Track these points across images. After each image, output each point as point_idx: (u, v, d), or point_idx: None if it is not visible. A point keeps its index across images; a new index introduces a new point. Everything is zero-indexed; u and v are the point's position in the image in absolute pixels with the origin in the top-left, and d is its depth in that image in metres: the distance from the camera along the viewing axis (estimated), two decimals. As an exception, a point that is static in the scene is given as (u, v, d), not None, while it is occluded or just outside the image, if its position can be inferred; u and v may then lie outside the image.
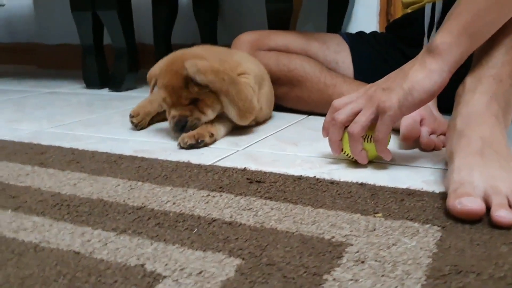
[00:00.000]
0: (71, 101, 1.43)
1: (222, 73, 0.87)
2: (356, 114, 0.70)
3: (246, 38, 1.21)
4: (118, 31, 1.54)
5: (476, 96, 0.65)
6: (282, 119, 1.10)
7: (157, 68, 0.91)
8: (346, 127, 0.72)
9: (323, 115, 1.15)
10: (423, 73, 0.65)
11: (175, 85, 0.86)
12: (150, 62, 2.08)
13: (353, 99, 0.73)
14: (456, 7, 0.66)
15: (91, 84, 1.65)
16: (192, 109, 0.89)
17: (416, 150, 0.82)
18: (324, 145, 0.78)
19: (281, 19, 1.35)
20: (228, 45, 2.00)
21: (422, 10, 1.08)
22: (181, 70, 0.86)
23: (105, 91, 1.61)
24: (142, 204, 0.59)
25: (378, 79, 1.12)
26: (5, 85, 1.82)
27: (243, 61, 0.99)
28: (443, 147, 0.82)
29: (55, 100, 1.46)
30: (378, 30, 1.83)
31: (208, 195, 0.61)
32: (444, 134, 0.84)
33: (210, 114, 0.90)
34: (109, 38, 1.60)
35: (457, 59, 0.65)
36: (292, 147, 0.86)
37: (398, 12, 1.80)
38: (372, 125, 0.70)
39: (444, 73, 0.65)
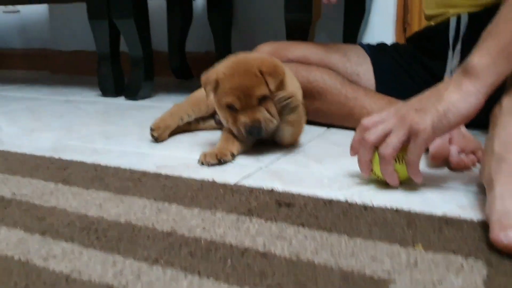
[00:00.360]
0: (88, 110, 1.42)
1: (293, 95, 0.85)
2: (387, 134, 0.69)
3: (264, 49, 1.19)
4: (135, 39, 1.53)
5: None
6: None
7: (220, 72, 0.86)
8: (376, 147, 0.70)
9: (343, 127, 1.15)
10: (459, 95, 0.63)
11: (246, 85, 0.83)
12: (164, 69, 2.09)
13: (384, 119, 0.71)
14: (494, 26, 0.64)
15: (106, 92, 1.65)
16: (261, 110, 0.85)
17: (446, 170, 0.80)
18: (350, 163, 0.76)
19: (300, 29, 1.34)
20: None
21: (446, 23, 1.06)
22: (252, 69, 0.83)
23: (121, 100, 1.60)
24: (172, 228, 0.57)
25: (400, 92, 1.11)
26: (19, 92, 1.83)
27: (290, 80, 0.96)
28: (473, 166, 0.81)
29: (71, 108, 1.45)
30: (394, 38, 1.82)
31: (238, 219, 0.60)
32: (473, 153, 0.82)
33: (276, 122, 0.87)
34: (125, 45, 1.60)
35: (494, 81, 0.63)
36: (317, 165, 0.84)
37: (415, 21, 1.78)
38: (403, 146, 0.68)
39: (480, 95, 0.63)
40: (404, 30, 1.80)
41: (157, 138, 1.00)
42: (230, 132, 0.91)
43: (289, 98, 0.84)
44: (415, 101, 0.69)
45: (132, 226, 0.59)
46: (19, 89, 1.93)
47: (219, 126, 1.13)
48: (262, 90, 0.84)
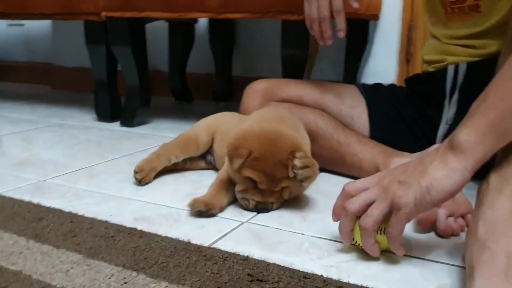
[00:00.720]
0: (80, 138, 1.41)
1: (315, 165, 0.84)
2: (369, 205, 0.66)
3: (258, 87, 1.17)
4: (131, 66, 1.52)
5: (502, 198, 0.60)
6: (292, 176, 1.05)
7: (252, 148, 0.82)
8: (358, 216, 0.67)
9: (335, 173, 1.12)
10: (444, 171, 0.60)
11: (277, 175, 0.82)
12: (163, 89, 2.08)
13: (366, 186, 0.69)
14: (483, 101, 0.61)
15: (102, 117, 1.63)
16: (278, 196, 0.86)
17: (432, 235, 0.77)
18: (334, 223, 0.73)
19: (296, 65, 1.31)
20: (243, 76, 1.98)
21: (444, 70, 1.03)
22: (286, 161, 0.81)
23: (116, 126, 1.58)
24: (134, 308, 0.55)
25: (395, 137, 1.08)
26: (18, 112, 1.82)
27: (299, 132, 0.95)
28: (461, 231, 0.77)
29: (65, 135, 1.44)
30: (397, 69, 1.79)
31: (205, 299, 0.57)
32: (463, 216, 0.79)
33: (287, 197, 0.87)
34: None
35: (481, 158, 0.60)
36: (300, 223, 0.82)
37: (419, 52, 1.75)
38: (385, 217, 0.65)
39: (466, 172, 0.60)
40: (408, 61, 1.77)
41: (141, 180, 0.98)
42: (224, 182, 0.88)
43: (308, 169, 0.83)
44: (400, 171, 0.66)
45: (93, 302, 0.56)
46: (17, 107, 1.93)
47: (210, 167, 1.10)
48: (284, 180, 0.83)
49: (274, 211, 0.87)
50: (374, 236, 0.66)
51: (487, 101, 0.61)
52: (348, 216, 0.67)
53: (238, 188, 0.86)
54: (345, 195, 0.70)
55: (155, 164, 1.01)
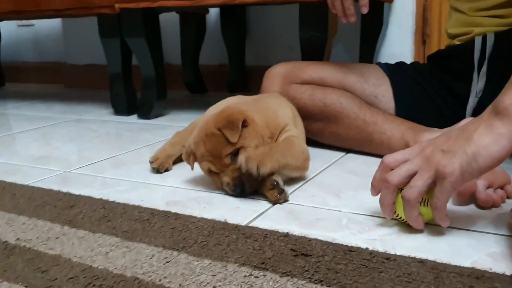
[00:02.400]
0: (99, 132, 1.40)
1: (275, 154, 0.80)
2: (411, 176, 0.64)
3: (278, 70, 1.15)
4: (147, 58, 1.50)
5: None
6: (318, 158, 1.03)
7: (191, 144, 0.85)
8: (400, 188, 0.65)
9: (362, 153, 1.10)
10: (490, 137, 0.58)
11: (212, 148, 0.81)
12: (177, 83, 2.07)
13: (407, 157, 0.67)
14: None
15: (119, 111, 1.62)
16: (235, 163, 0.81)
17: (472, 207, 0.75)
18: (369, 197, 0.71)
19: (315, 47, 1.29)
20: (256, 66, 1.97)
21: (471, 42, 1.00)
22: (211, 129, 0.81)
23: (133, 118, 1.57)
24: (180, 286, 0.54)
25: (421, 114, 1.06)
26: (34, 110, 1.81)
27: (279, 110, 0.94)
28: (502, 202, 0.75)
29: (83, 130, 1.43)
30: (413, 51, 1.76)
31: (251, 274, 0.56)
32: (502, 187, 0.77)
33: (253, 145, 0.82)
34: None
35: None
36: (335, 200, 0.80)
37: (435, 32, 1.72)
38: (428, 188, 0.63)
39: None
40: (424, 42, 1.75)
41: (158, 169, 0.97)
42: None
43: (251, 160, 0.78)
44: (442, 140, 0.64)
45: (138, 282, 0.55)
46: (31, 105, 1.92)
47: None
48: (228, 148, 0.80)
49: (306, 191, 0.85)
50: (418, 208, 0.64)
51: None
52: (390, 189, 0.65)
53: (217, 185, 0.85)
54: (385, 168, 0.68)
55: (170, 152, 1.01)
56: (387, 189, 0.65)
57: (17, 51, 2.65)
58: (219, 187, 0.85)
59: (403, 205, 0.64)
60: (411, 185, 0.63)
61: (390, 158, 0.68)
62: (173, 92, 2.03)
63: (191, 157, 0.86)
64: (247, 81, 2.00)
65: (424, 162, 0.63)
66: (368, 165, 1.00)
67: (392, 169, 0.66)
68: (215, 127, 0.81)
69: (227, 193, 0.84)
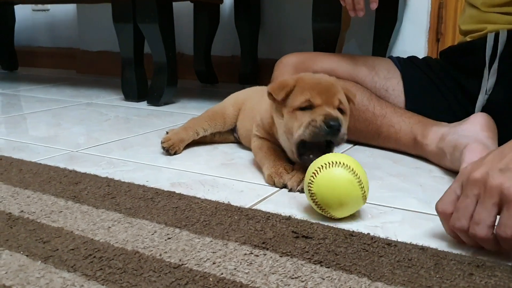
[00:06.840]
0: (109, 115, 1.41)
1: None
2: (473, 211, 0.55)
3: (290, 60, 1.15)
4: (159, 44, 1.51)
5: None
6: (326, 149, 1.03)
7: (298, 77, 0.82)
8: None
9: (369, 145, 1.10)
10: None
11: (328, 84, 0.80)
12: (188, 72, 2.07)
13: (457, 193, 0.57)
14: None
15: (129, 96, 1.63)
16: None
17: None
18: (373, 188, 0.71)
19: (328, 39, 1.29)
20: (268, 58, 1.96)
21: (483, 39, 0.99)
22: (332, 80, 0.83)
23: (143, 105, 1.58)
24: (180, 261, 0.54)
25: (431, 109, 1.05)
26: (45, 93, 1.83)
27: None
28: None
29: (93, 113, 1.44)
30: (427, 49, 1.75)
31: (251, 253, 0.56)
32: None
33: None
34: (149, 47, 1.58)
35: None
36: (340, 188, 0.80)
37: (449, 31, 1.70)
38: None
39: None
40: (437, 40, 1.73)
41: (168, 149, 0.98)
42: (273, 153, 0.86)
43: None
44: (495, 159, 0.55)
45: (139, 255, 0.55)
46: (44, 89, 1.94)
47: (239, 140, 1.09)
48: (343, 96, 0.81)
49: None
50: (491, 239, 0.54)
51: None
52: (477, 238, 0.55)
53: (294, 125, 0.78)
54: (446, 217, 0.58)
55: (183, 136, 1.01)
56: (467, 237, 0.57)
57: (31, 35, 2.67)
58: (291, 133, 0.79)
59: (480, 243, 0.56)
60: (476, 221, 0.54)
61: (443, 205, 0.58)
62: (185, 82, 2.04)
63: (291, 87, 0.79)
64: (259, 74, 2.00)
65: (482, 189, 0.54)
66: (375, 157, 0.99)
67: (452, 213, 0.57)
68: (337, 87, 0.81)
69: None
